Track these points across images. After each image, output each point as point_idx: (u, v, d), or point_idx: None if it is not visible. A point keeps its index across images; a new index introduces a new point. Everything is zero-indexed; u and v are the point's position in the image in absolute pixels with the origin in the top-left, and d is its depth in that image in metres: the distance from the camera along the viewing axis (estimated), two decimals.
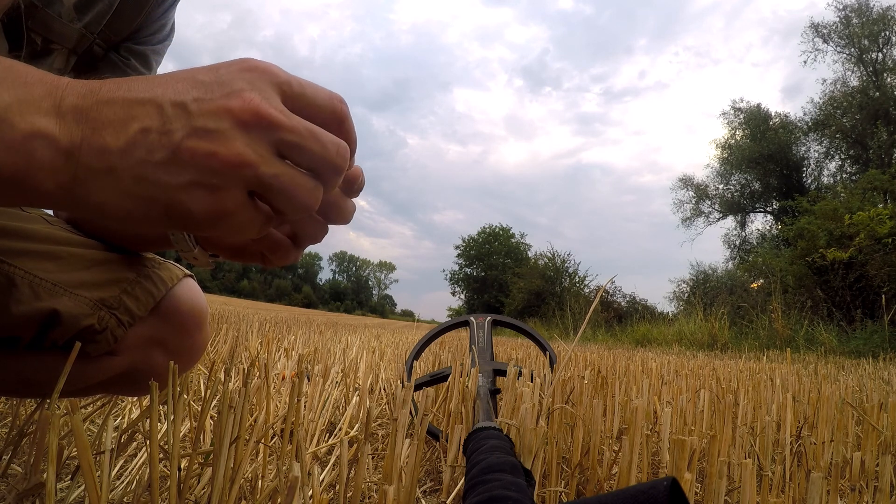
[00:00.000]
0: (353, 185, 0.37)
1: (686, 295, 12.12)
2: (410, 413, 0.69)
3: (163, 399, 0.65)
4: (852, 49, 15.86)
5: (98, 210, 0.29)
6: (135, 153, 0.27)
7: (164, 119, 0.27)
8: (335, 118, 0.31)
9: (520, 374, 0.89)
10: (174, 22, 0.69)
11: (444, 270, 37.81)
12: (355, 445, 0.80)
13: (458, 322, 1.31)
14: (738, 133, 18.82)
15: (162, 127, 0.27)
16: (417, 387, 1.02)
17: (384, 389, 1.40)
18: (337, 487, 0.59)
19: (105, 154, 0.27)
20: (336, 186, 0.32)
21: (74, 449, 0.71)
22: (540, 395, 0.80)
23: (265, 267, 0.43)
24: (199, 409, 0.68)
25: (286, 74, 0.30)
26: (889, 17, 15.20)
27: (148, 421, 0.46)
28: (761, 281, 9.08)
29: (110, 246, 0.56)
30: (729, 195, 18.82)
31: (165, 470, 0.65)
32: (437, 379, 1.05)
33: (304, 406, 0.90)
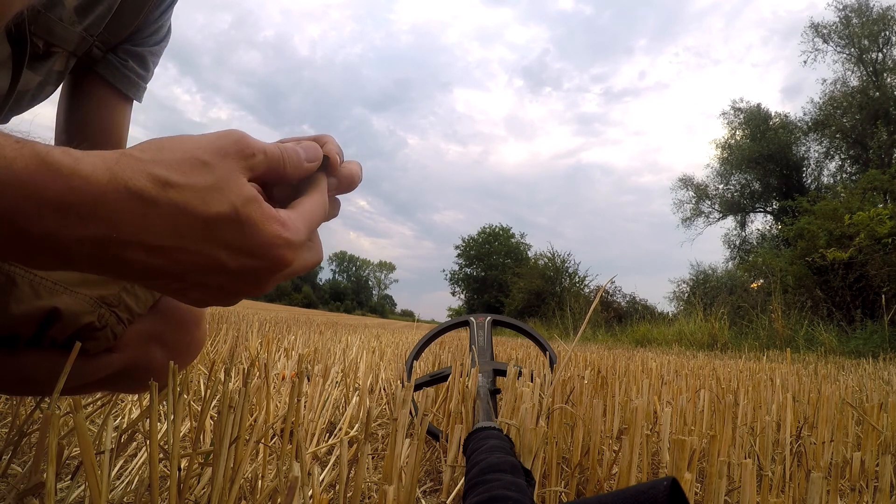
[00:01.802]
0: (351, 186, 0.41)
1: (686, 295, 12.12)
2: (410, 413, 0.69)
3: (162, 399, 0.65)
4: (852, 49, 15.87)
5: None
6: (149, 286, 0.33)
7: (181, 284, 0.31)
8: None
9: (520, 374, 0.89)
10: (171, 24, 0.70)
11: (444, 270, 37.76)
12: (355, 445, 0.80)
13: (458, 322, 1.31)
14: (738, 133, 18.84)
15: (180, 285, 0.32)
16: (417, 387, 1.02)
17: (384, 389, 1.40)
18: (337, 487, 0.59)
19: (119, 278, 0.31)
20: None
21: (75, 449, 0.71)
22: (540, 395, 0.80)
23: None
24: (199, 409, 0.68)
25: (297, 264, 0.33)
26: (889, 17, 15.21)
27: (148, 421, 0.46)
28: (761, 281, 9.08)
29: None
30: (729, 195, 18.83)
31: (165, 470, 0.65)
32: (437, 379, 1.05)
33: (304, 406, 0.90)
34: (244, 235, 0.29)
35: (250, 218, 0.29)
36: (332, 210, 0.41)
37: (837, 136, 15.87)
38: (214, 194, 0.28)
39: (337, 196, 0.40)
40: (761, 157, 17.40)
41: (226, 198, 0.28)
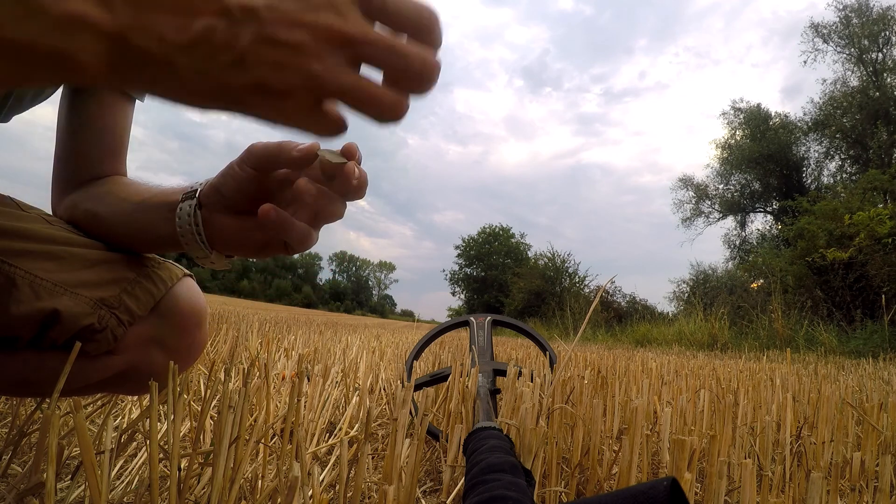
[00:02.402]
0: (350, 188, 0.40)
1: (686, 295, 12.12)
2: (410, 413, 0.69)
3: (163, 399, 0.65)
4: (852, 49, 15.86)
5: (153, 91, 0.28)
6: (197, 51, 0.26)
7: (230, 21, 0.26)
8: (422, 28, 0.30)
9: (520, 374, 0.89)
10: None
11: (444, 270, 37.71)
12: (355, 445, 0.80)
13: (458, 322, 1.31)
14: (738, 133, 18.83)
15: (229, 29, 0.26)
16: (417, 387, 1.02)
17: (384, 389, 1.40)
18: (337, 487, 0.59)
19: (163, 44, 0.26)
20: (426, 94, 0.31)
21: (75, 449, 0.71)
22: (540, 395, 0.80)
23: (288, 255, 0.46)
24: (199, 409, 0.68)
25: None
26: (889, 17, 15.21)
27: (148, 421, 0.46)
28: (761, 281, 9.08)
29: (110, 247, 0.56)
30: (729, 195, 18.82)
31: (165, 470, 0.65)
32: (437, 379, 1.05)
33: (304, 406, 0.90)
34: None
35: None
36: (338, 210, 0.41)
37: (837, 136, 15.87)
38: None
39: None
40: (761, 157, 17.40)
41: None
